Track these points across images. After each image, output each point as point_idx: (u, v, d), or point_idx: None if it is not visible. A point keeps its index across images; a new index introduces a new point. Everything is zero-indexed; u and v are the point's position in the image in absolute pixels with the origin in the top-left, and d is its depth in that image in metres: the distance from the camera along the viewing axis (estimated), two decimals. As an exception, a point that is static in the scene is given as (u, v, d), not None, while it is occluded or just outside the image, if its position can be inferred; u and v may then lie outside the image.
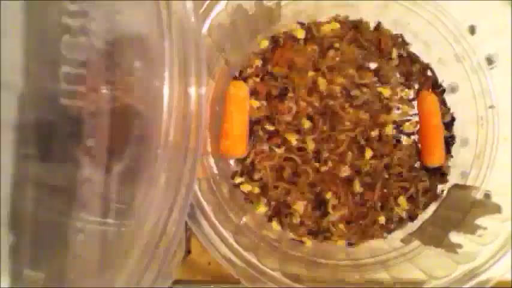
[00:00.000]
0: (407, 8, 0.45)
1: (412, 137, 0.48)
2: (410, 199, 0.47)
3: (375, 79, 0.48)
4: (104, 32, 0.33)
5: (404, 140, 0.48)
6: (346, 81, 0.47)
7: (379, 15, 0.48)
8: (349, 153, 0.46)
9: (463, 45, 0.45)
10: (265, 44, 0.48)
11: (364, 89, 0.47)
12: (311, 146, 0.46)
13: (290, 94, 0.47)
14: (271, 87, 0.47)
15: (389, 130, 0.47)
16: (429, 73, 0.50)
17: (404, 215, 0.47)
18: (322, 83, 0.46)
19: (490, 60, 0.44)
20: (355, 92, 0.47)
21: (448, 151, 0.48)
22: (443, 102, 0.49)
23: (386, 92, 0.47)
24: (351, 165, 0.46)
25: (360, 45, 0.48)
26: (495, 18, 0.42)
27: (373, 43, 0.49)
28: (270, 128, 0.47)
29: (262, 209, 0.46)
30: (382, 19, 0.48)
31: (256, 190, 0.47)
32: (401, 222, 0.47)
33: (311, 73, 0.47)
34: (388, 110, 0.48)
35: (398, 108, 0.48)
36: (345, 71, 0.47)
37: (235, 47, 0.45)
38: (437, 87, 0.49)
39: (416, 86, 0.49)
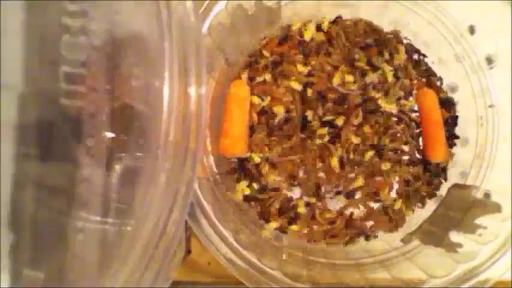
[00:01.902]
0: (407, 8, 0.46)
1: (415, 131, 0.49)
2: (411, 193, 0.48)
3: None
4: (104, 32, 0.33)
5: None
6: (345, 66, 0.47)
7: (379, 15, 0.48)
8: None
9: (463, 45, 0.45)
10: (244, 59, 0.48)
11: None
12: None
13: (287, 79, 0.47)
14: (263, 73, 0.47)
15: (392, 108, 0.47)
16: (428, 69, 0.50)
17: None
18: (325, 61, 0.47)
19: (489, 60, 0.44)
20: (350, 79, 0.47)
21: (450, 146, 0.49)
22: (447, 101, 0.49)
23: (390, 76, 0.48)
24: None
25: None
26: (495, 18, 0.42)
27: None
28: (278, 110, 0.47)
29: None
30: (382, 19, 0.48)
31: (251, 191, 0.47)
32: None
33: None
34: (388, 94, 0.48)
35: (399, 99, 0.48)
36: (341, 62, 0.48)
37: (235, 47, 0.45)
38: (436, 84, 0.49)
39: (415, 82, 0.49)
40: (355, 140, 0.46)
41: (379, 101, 0.47)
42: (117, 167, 0.33)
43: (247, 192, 0.46)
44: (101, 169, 0.33)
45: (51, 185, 0.33)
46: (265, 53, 0.47)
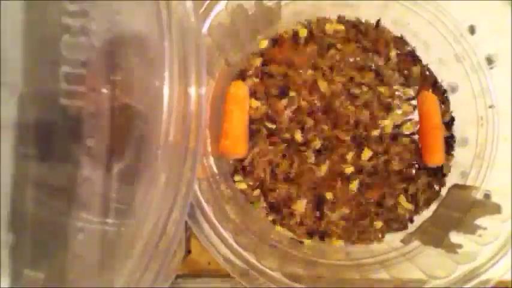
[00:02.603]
0: (407, 8, 0.45)
1: (413, 136, 0.49)
2: (411, 198, 0.47)
3: (375, 80, 0.48)
4: (104, 32, 0.33)
5: (403, 139, 0.48)
6: (346, 79, 0.47)
7: (379, 15, 0.48)
8: (350, 152, 0.46)
9: (463, 45, 0.45)
10: (264, 44, 0.48)
11: (365, 88, 0.47)
12: (316, 142, 0.46)
13: (292, 93, 0.47)
14: (270, 87, 0.47)
15: (389, 129, 0.47)
16: (428, 73, 0.50)
17: (406, 215, 0.47)
18: (322, 83, 0.47)
19: (490, 60, 0.44)
20: (355, 90, 0.47)
21: (448, 151, 0.48)
22: (444, 102, 0.49)
23: (386, 91, 0.48)
24: (352, 163, 0.46)
25: (361, 46, 0.48)
26: (495, 18, 0.42)
27: (373, 43, 0.49)
28: (270, 125, 0.47)
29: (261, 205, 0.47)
30: (382, 19, 0.48)
31: (256, 192, 0.47)
32: (400, 223, 0.47)
33: (310, 72, 0.47)
34: (388, 109, 0.48)
35: (399, 108, 0.48)
36: (344, 70, 0.47)
37: (235, 47, 0.45)
38: (437, 87, 0.49)
39: (416, 86, 0.49)
40: (349, 169, 0.46)
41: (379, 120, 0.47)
42: (117, 167, 0.33)
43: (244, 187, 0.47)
44: (101, 169, 0.33)
45: (51, 185, 0.32)
46: (257, 61, 0.48)
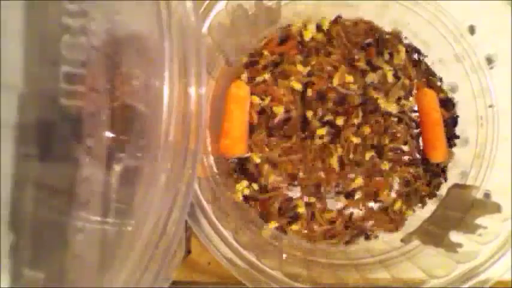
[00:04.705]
0: (407, 8, 0.46)
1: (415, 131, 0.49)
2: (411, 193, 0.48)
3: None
4: (104, 32, 0.33)
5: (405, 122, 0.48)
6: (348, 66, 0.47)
7: (379, 15, 0.48)
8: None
9: (463, 45, 0.45)
10: (245, 59, 0.48)
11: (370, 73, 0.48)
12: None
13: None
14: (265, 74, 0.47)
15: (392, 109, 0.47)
16: (428, 69, 0.50)
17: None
18: (325, 61, 0.47)
19: (489, 60, 0.44)
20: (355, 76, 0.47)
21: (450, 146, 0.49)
22: (447, 100, 0.49)
23: (390, 76, 0.48)
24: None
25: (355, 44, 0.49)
26: (495, 18, 0.42)
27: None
28: (278, 110, 0.47)
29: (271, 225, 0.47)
30: (382, 19, 0.48)
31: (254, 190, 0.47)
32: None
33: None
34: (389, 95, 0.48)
35: (399, 99, 0.48)
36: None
37: (235, 47, 0.45)
38: (436, 84, 0.49)
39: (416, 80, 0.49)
40: (355, 140, 0.46)
41: (379, 101, 0.47)
42: (117, 167, 0.33)
43: (247, 192, 0.46)
44: (101, 169, 0.33)
45: (51, 185, 0.32)
46: (265, 52, 0.47)
